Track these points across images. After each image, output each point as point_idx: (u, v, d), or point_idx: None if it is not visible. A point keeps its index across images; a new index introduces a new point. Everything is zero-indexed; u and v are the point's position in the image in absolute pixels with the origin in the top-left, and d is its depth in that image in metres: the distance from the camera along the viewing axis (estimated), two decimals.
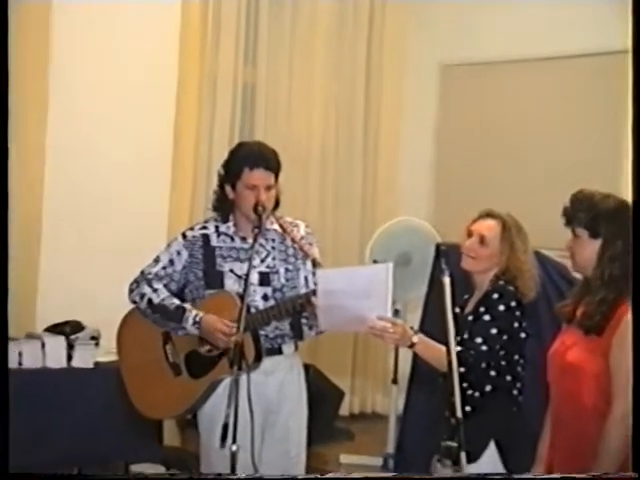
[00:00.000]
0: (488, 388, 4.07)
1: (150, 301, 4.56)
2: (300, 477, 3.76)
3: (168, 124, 7.54)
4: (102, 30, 7.21)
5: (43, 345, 6.20)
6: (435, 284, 5.46)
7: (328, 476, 3.43)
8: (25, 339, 6.27)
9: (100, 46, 7.21)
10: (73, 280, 6.95)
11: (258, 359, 4.40)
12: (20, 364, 6.10)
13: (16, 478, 2.01)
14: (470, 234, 4.27)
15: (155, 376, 4.61)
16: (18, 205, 6.84)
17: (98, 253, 7.02)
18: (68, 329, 6.37)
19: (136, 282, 4.64)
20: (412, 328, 4.22)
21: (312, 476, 3.41)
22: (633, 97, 3.31)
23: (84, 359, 6.28)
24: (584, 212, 3.73)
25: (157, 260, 4.64)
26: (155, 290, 4.57)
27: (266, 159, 4.49)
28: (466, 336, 4.13)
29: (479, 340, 4.08)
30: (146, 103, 7.41)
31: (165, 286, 4.59)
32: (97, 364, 6.25)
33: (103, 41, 7.22)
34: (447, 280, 3.68)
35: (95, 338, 6.33)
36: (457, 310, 4.25)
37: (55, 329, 6.42)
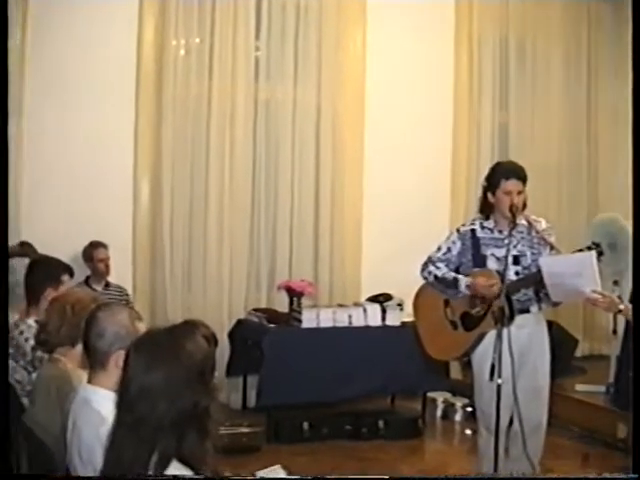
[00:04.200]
0: None
1: (435, 276, 4.55)
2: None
3: (447, 153, 7.59)
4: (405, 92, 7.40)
5: (365, 310, 6.28)
6: None
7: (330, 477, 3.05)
8: (353, 306, 6.39)
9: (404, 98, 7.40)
10: (386, 268, 6.93)
11: (511, 317, 4.27)
12: (350, 323, 6.21)
13: (16, 478, 1.92)
14: None
15: (440, 330, 4.58)
16: (345, 212, 7.07)
17: (401, 246, 6.98)
18: (382, 299, 6.47)
19: (425, 264, 4.62)
20: (620, 297, 4.08)
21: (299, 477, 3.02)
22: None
23: (393, 319, 6.33)
24: None
25: (439, 248, 4.60)
26: (438, 268, 4.54)
27: (517, 171, 4.40)
28: None
29: None
30: (435, 141, 7.53)
31: (446, 266, 4.54)
32: (403, 323, 6.26)
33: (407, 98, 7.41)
34: None
35: (400, 305, 6.35)
36: None
37: (373, 299, 6.52)
